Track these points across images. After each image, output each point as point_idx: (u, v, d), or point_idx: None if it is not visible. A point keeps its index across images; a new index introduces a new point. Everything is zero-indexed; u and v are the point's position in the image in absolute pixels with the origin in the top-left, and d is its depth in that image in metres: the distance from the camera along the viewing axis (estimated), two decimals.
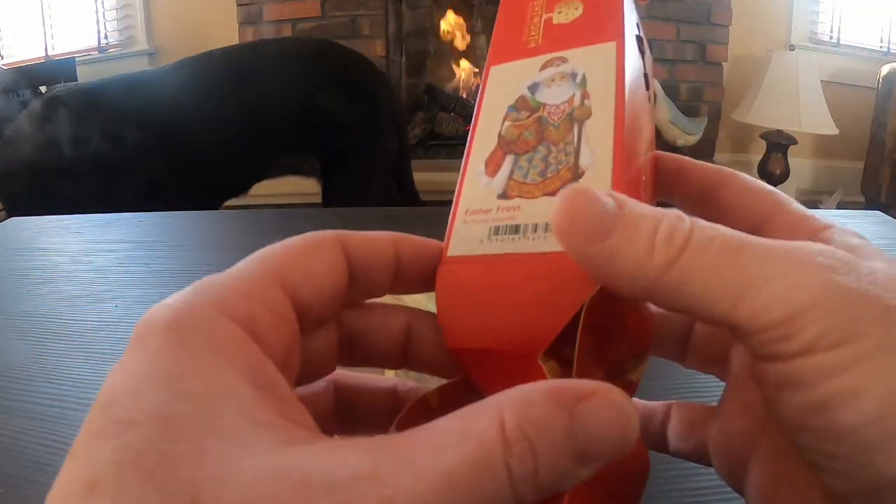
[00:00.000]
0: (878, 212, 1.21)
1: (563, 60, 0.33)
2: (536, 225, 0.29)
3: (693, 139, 3.77)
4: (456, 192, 0.32)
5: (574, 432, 0.20)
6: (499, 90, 0.34)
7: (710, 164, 0.35)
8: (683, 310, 0.25)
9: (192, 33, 3.99)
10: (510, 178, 0.31)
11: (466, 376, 0.31)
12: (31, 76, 3.38)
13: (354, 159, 2.50)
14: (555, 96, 0.32)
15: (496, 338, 0.28)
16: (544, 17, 0.35)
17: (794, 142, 3.86)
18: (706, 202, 0.35)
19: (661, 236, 0.24)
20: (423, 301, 0.36)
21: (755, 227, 0.32)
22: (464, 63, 4.19)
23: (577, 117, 0.31)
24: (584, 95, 0.31)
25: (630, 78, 0.31)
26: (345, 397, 0.33)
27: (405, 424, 0.27)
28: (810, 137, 4.09)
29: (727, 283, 0.23)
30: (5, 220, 1.15)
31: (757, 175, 3.88)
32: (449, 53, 4.17)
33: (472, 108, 0.42)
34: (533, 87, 0.33)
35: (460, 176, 0.33)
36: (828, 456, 0.24)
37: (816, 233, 0.29)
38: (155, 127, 2.26)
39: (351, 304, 0.31)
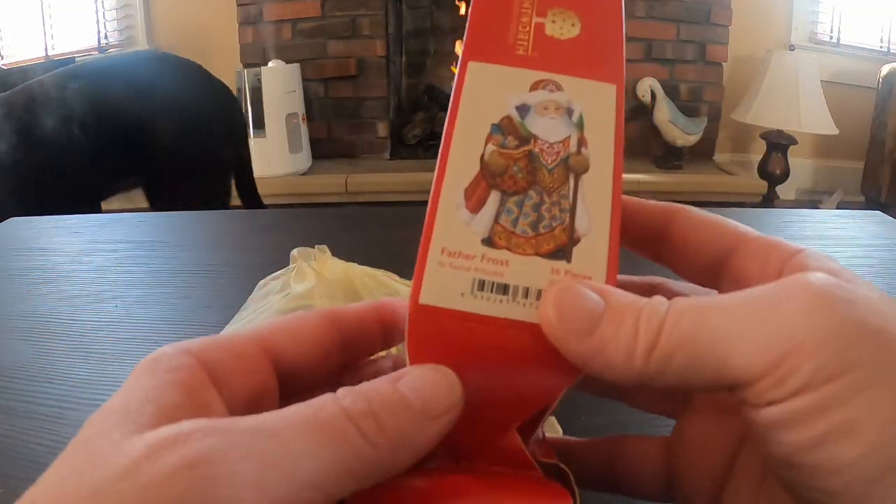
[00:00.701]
0: (878, 212, 1.21)
1: (558, 86, 0.30)
2: (528, 289, 0.27)
3: (693, 139, 3.77)
4: (427, 218, 0.28)
5: (400, 389, 0.24)
6: (479, 97, 0.30)
7: (655, 202, 0.33)
8: (678, 386, 0.25)
9: (192, 33, 3.99)
10: (497, 221, 0.28)
11: None
12: (30, 76, 3.39)
13: (174, 176, 2.44)
14: (548, 131, 0.30)
15: (472, 401, 0.26)
16: (535, 20, 0.32)
17: (794, 142, 3.86)
18: (657, 242, 0.33)
19: (643, 324, 0.24)
20: None
21: (718, 262, 0.31)
22: None
23: (573, 167, 0.29)
24: (582, 141, 0.29)
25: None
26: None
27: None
28: (810, 137, 4.09)
29: (707, 348, 0.23)
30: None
31: (758, 175, 3.88)
32: (449, 53, 4.17)
33: None
34: (522, 110, 0.30)
35: (432, 195, 0.29)
36: (821, 491, 0.23)
37: (788, 259, 0.28)
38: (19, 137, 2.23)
39: (348, 367, 0.32)
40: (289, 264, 0.63)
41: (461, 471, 0.28)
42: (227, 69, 3.67)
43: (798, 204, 4.24)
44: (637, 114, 3.88)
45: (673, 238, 0.32)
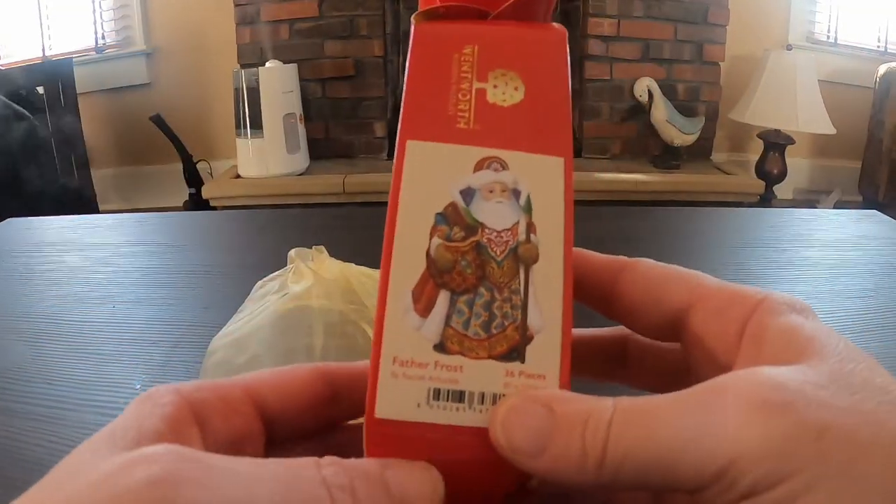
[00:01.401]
0: (875, 211, 1.22)
1: (503, 164, 0.29)
2: (483, 395, 0.27)
3: (690, 139, 3.77)
4: (376, 324, 0.27)
5: (385, 476, 0.25)
6: (421, 182, 0.28)
7: (603, 257, 0.33)
8: (633, 488, 0.25)
9: (190, 33, 3.99)
10: (448, 324, 0.27)
11: None
12: (28, 76, 3.39)
13: None
14: (496, 217, 0.28)
15: None
16: (476, 86, 0.30)
17: (792, 141, 3.86)
18: (606, 300, 0.32)
19: (589, 435, 0.24)
20: None
21: (674, 319, 0.30)
22: None
23: (523, 257, 0.28)
24: (531, 227, 0.28)
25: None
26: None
27: None
28: (808, 137, 4.09)
29: (653, 461, 0.23)
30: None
31: (755, 175, 3.89)
32: None
33: None
34: (467, 195, 0.28)
35: (379, 297, 0.27)
36: None
37: (748, 315, 0.27)
38: None
39: (339, 425, 0.32)
40: (286, 264, 0.63)
41: None
42: (225, 69, 3.68)
43: (795, 203, 4.24)
44: (634, 113, 3.88)
45: (622, 296, 0.32)
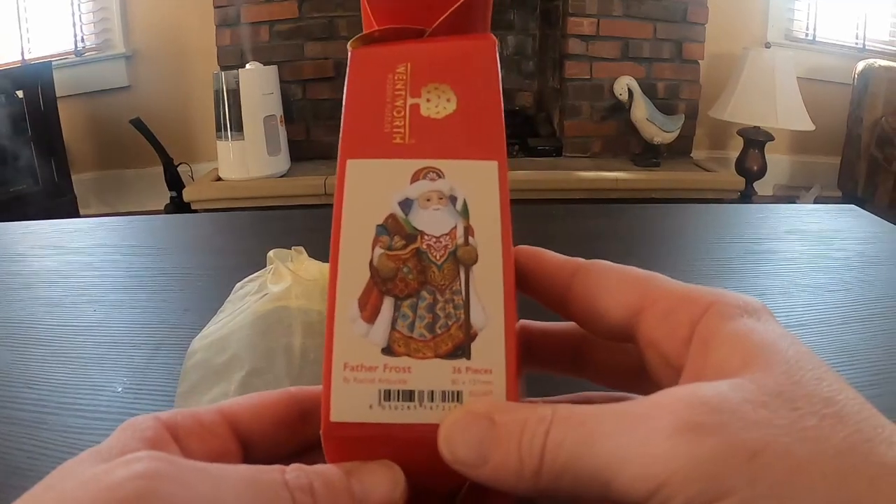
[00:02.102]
0: (854, 206, 1.23)
1: (439, 173, 0.30)
2: (432, 392, 0.28)
3: (670, 137, 3.78)
4: (326, 333, 0.28)
5: (346, 476, 0.26)
6: (361, 197, 0.30)
7: (562, 257, 0.33)
8: (573, 496, 0.25)
9: (170, 36, 3.98)
10: (393, 328, 0.28)
11: None
12: (7, 80, 3.37)
13: None
14: (434, 224, 0.29)
15: None
16: (409, 102, 0.31)
17: (771, 138, 3.88)
18: (562, 301, 0.32)
19: (524, 446, 0.25)
20: None
21: (627, 323, 0.30)
22: None
23: (462, 259, 0.29)
24: (468, 230, 0.29)
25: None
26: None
27: None
28: (787, 133, 4.12)
29: (589, 474, 0.24)
30: None
31: (735, 171, 3.90)
32: None
33: None
34: (405, 205, 0.30)
35: (328, 307, 0.29)
36: None
37: (697, 319, 0.27)
38: None
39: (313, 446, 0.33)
40: (265, 266, 0.63)
41: None
42: (205, 71, 3.67)
43: (776, 199, 4.27)
44: (614, 112, 3.89)
45: (575, 299, 0.32)
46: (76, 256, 0.99)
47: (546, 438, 0.25)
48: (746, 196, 3.85)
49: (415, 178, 0.30)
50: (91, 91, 3.99)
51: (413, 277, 0.29)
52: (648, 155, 3.82)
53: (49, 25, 3.91)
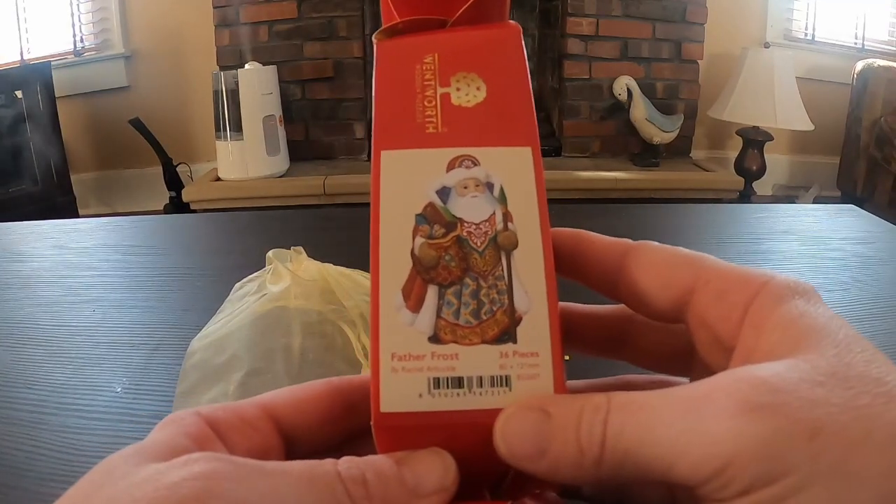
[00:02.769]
0: (853, 206, 1.23)
1: (474, 161, 0.30)
2: (481, 378, 0.28)
3: (669, 137, 3.78)
4: (371, 323, 0.29)
5: (397, 465, 0.27)
6: (398, 187, 0.30)
7: (609, 238, 0.33)
8: (632, 482, 0.26)
9: (169, 36, 3.98)
10: (439, 316, 0.29)
11: None
12: (6, 80, 3.37)
13: None
14: (472, 211, 0.30)
15: None
16: (440, 91, 0.32)
17: (771, 138, 3.88)
18: (611, 282, 0.33)
19: (583, 436, 0.25)
20: None
21: (679, 304, 0.30)
22: None
23: (503, 245, 0.29)
24: (507, 216, 0.30)
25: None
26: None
27: None
28: (786, 133, 4.12)
29: (651, 460, 0.24)
30: None
31: (734, 171, 3.90)
32: None
33: None
34: (443, 194, 0.30)
35: (371, 299, 0.29)
36: None
37: (750, 300, 0.28)
38: None
39: (357, 435, 0.33)
40: (265, 266, 0.63)
41: None
42: (204, 72, 3.67)
43: (775, 199, 4.26)
44: (614, 112, 3.89)
45: (626, 280, 0.32)
46: (75, 256, 0.99)
47: (605, 427, 0.25)
48: (745, 196, 3.85)
49: (450, 166, 0.30)
50: (90, 91, 3.99)
51: (455, 265, 0.29)
52: (647, 155, 3.82)
53: (48, 25, 3.91)
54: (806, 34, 4.28)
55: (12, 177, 3.37)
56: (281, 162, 3.61)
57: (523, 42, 0.33)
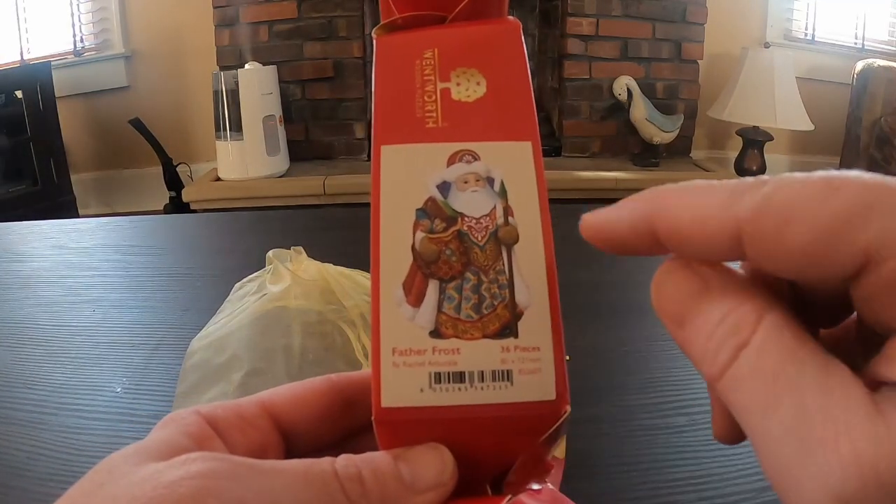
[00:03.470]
0: None
1: (474, 156, 0.30)
2: (482, 372, 0.28)
3: (669, 137, 3.78)
4: (372, 318, 0.28)
5: (394, 461, 0.27)
6: (398, 182, 0.30)
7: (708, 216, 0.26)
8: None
9: (169, 36, 3.97)
10: (440, 310, 0.28)
11: None
12: (6, 80, 3.37)
13: None
14: (473, 205, 0.30)
15: None
16: (440, 86, 0.32)
17: (770, 138, 3.88)
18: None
19: (717, 341, 0.22)
20: None
21: (839, 282, 0.22)
22: None
23: (504, 239, 0.29)
24: (508, 210, 0.29)
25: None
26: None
27: None
28: (786, 133, 4.12)
29: (773, 421, 0.20)
30: None
31: (734, 171, 3.90)
32: None
33: None
34: (444, 188, 0.30)
35: (372, 293, 0.29)
36: None
37: None
38: None
39: (355, 432, 0.33)
40: (265, 266, 0.63)
41: None
42: (204, 72, 3.67)
43: None
44: (614, 112, 3.89)
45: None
46: (75, 256, 0.99)
47: (749, 344, 0.22)
48: None
49: (451, 161, 0.30)
50: (90, 91, 3.99)
51: (456, 259, 0.29)
52: (647, 155, 3.82)
53: (48, 25, 3.90)
54: (806, 34, 4.28)
55: (12, 177, 3.37)
56: (281, 162, 3.61)
57: (523, 37, 0.33)
